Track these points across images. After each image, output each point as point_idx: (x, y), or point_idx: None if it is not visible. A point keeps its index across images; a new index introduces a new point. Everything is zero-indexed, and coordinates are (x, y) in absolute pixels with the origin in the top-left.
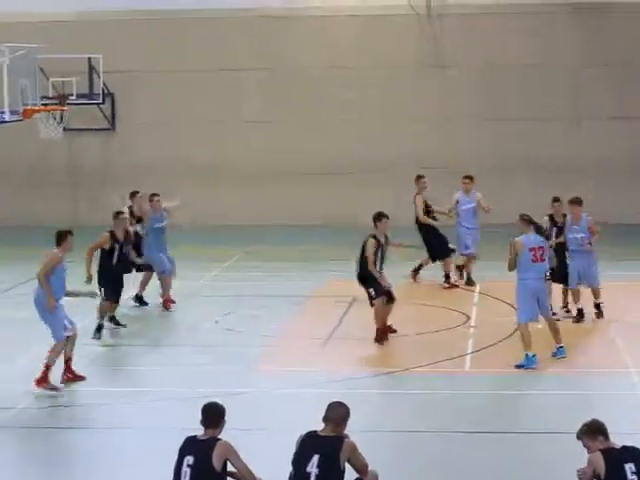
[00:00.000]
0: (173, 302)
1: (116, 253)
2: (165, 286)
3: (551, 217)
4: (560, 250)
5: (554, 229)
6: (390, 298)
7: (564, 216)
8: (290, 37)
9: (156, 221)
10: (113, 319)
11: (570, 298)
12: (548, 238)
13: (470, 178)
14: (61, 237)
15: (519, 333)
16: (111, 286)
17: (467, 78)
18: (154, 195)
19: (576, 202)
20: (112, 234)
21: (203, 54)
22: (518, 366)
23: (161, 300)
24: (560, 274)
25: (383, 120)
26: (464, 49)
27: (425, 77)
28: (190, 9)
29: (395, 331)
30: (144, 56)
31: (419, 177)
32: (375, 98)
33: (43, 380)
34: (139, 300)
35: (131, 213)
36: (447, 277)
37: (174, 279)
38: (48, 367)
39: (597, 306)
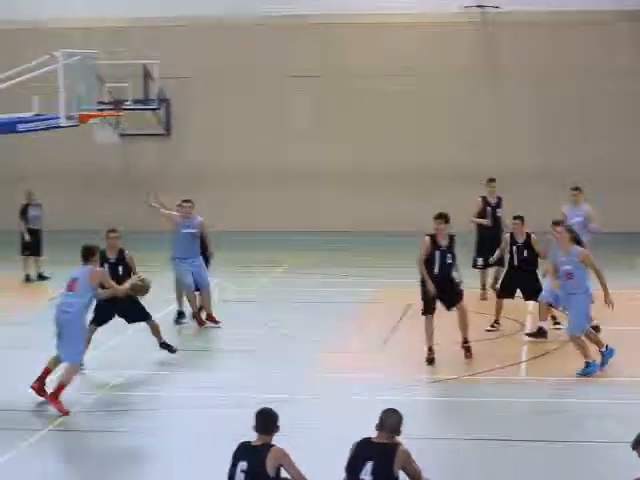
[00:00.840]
0: (205, 321)
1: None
2: (191, 301)
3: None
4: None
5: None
6: (447, 307)
7: (528, 235)
8: (346, 45)
9: (184, 227)
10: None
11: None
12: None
13: (578, 189)
14: (92, 253)
15: (575, 344)
16: (96, 308)
17: (522, 87)
18: (186, 201)
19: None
20: (102, 253)
21: (259, 60)
22: (582, 374)
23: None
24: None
25: (438, 128)
26: (519, 58)
27: (480, 86)
28: (247, 15)
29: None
30: (200, 62)
31: (488, 180)
32: (429, 106)
33: (55, 399)
34: (178, 315)
35: None
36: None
37: (203, 292)
38: (63, 386)
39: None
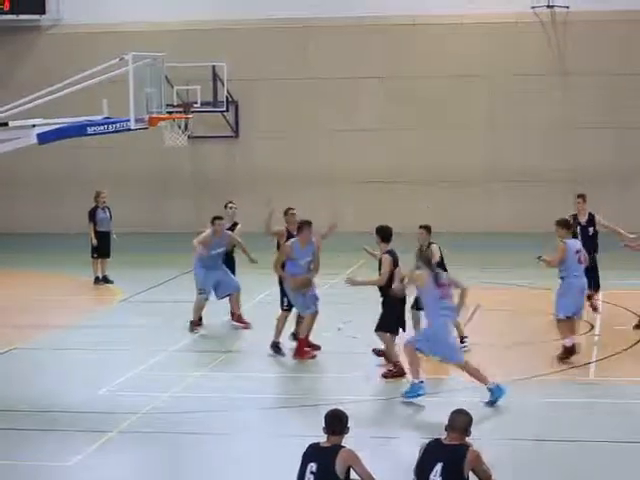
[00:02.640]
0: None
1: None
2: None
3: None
4: None
5: None
6: None
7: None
8: (411, 45)
9: (215, 247)
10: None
11: None
12: None
13: (582, 197)
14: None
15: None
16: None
17: (591, 87)
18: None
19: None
20: (288, 231)
21: (326, 62)
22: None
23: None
24: None
25: (506, 128)
26: (587, 57)
27: (548, 85)
28: (312, 18)
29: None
30: (268, 64)
31: (576, 197)
32: (497, 107)
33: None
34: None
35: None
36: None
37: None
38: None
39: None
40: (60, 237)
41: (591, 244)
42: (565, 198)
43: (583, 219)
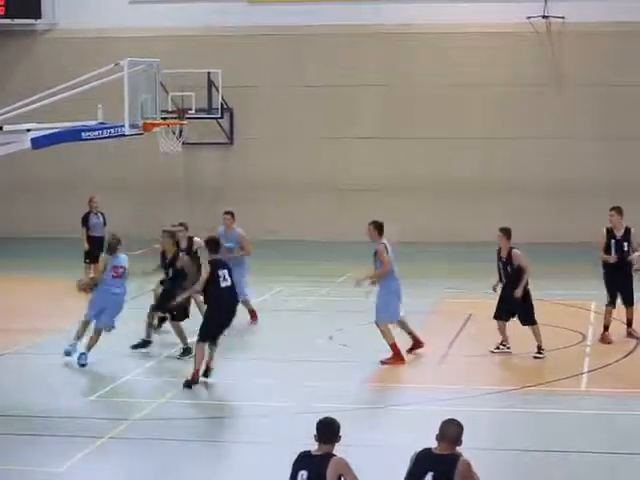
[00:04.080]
0: None
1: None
2: None
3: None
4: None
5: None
6: None
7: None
8: (407, 54)
9: (227, 240)
10: None
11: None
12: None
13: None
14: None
15: None
16: None
17: (586, 97)
18: (227, 213)
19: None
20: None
21: (321, 70)
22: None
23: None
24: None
25: (502, 137)
26: (583, 67)
27: (544, 94)
28: (308, 25)
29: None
30: (263, 72)
31: (610, 210)
32: (493, 116)
33: None
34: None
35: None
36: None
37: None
38: None
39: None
40: (56, 242)
41: (624, 259)
42: (560, 208)
43: (619, 233)
